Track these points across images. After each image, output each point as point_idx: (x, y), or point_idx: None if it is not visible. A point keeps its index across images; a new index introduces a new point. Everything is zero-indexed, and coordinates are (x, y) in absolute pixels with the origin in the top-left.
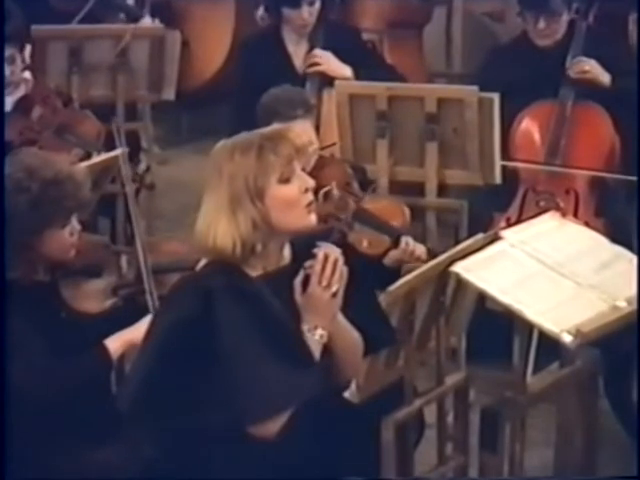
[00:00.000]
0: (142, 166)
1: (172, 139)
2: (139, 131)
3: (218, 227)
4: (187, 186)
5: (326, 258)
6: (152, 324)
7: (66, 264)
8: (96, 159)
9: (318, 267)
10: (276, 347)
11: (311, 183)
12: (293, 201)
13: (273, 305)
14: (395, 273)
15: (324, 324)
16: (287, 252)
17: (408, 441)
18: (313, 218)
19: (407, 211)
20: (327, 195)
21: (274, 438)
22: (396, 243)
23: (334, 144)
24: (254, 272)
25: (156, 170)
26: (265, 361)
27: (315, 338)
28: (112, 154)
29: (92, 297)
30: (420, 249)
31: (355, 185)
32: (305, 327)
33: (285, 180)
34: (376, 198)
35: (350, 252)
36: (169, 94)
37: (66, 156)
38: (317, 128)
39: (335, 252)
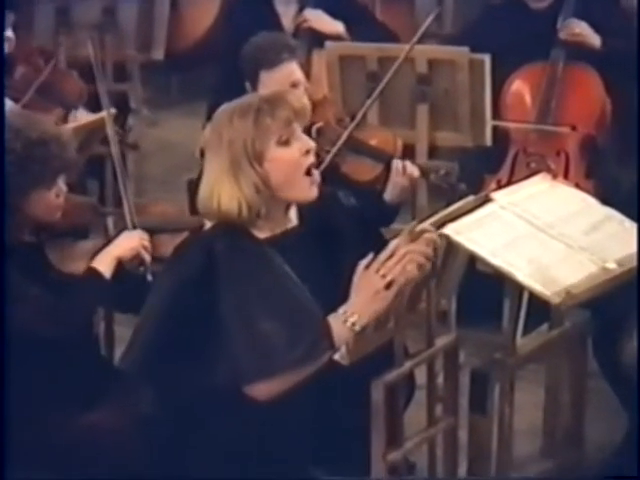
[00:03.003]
0: (126, 126)
1: (161, 100)
2: (128, 92)
3: (222, 191)
4: (176, 148)
5: (396, 249)
6: (157, 283)
7: (52, 225)
8: (83, 120)
9: (384, 255)
10: (279, 310)
11: (312, 145)
12: (293, 163)
13: (279, 267)
14: (395, 210)
15: (362, 313)
16: (293, 214)
17: (398, 402)
18: (314, 191)
19: (399, 140)
20: (320, 131)
21: (269, 400)
22: (388, 168)
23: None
24: (261, 234)
25: (145, 132)
26: (267, 323)
27: (347, 324)
28: (99, 115)
29: (79, 258)
30: (412, 167)
31: (348, 121)
32: (342, 309)
33: (284, 142)
34: (367, 128)
35: (344, 182)
36: (158, 54)
37: (50, 116)
38: (307, 74)
39: (408, 247)
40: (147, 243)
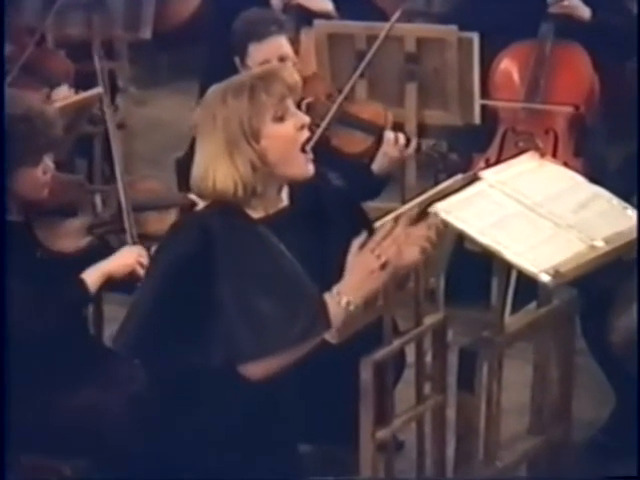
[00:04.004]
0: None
1: (149, 79)
2: (115, 71)
3: (217, 171)
4: (164, 126)
5: (391, 230)
6: (151, 262)
7: (40, 203)
8: (72, 98)
9: (379, 235)
10: (276, 290)
11: (306, 120)
12: (289, 139)
13: (275, 247)
14: (383, 182)
15: (356, 293)
16: (285, 194)
17: (387, 381)
18: (310, 168)
19: (389, 113)
20: (310, 106)
21: (263, 380)
22: (379, 141)
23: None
24: (255, 214)
25: (133, 111)
26: (265, 302)
27: (341, 303)
28: (88, 94)
29: (67, 236)
30: (403, 138)
31: (337, 96)
32: (335, 289)
33: (279, 118)
34: (357, 102)
35: (335, 155)
36: (146, 33)
37: (36, 94)
38: (296, 52)
39: (410, 230)
40: (144, 259)
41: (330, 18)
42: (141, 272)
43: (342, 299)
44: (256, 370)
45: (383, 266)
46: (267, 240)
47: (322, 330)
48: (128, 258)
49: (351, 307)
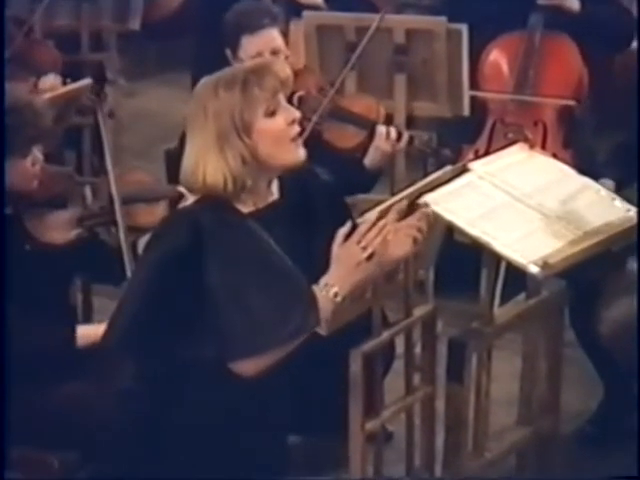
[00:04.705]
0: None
1: (138, 70)
2: (104, 62)
3: (207, 164)
4: (153, 118)
5: (376, 221)
6: (141, 257)
7: (29, 195)
8: (61, 90)
9: (364, 227)
10: (268, 286)
11: (297, 114)
12: (280, 133)
13: (265, 242)
14: (375, 177)
15: (343, 284)
16: (275, 188)
17: (376, 372)
18: (302, 153)
19: (381, 106)
20: (302, 99)
21: (254, 376)
22: (371, 135)
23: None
24: (245, 208)
25: (122, 102)
26: (251, 296)
27: (329, 295)
28: (77, 85)
29: (56, 228)
30: (395, 132)
31: (329, 89)
32: (323, 281)
33: (271, 113)
34: (349, 96)
35: (327, 149)
36: (134, 24)
37: (24, 85)
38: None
39: (388, 219)
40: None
41: (319, 10)
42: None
43: (330, 290)
44: (248, 367)
45: (369, 257)
46: (257, 235)
47: (313, 325)
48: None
49: (338, 299)
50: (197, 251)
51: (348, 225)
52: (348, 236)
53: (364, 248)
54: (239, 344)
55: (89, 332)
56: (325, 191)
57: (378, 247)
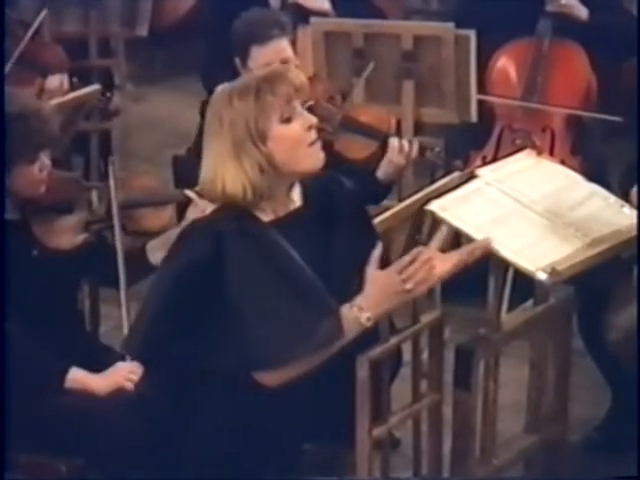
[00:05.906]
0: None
1: (145, 76)
2: (112, 68)
3: (226, 173)
4: (160, 123)
5: (420, 256)
6: (161, 268)
7: (37, 200)
8: (68, 96)
9: (408, 258)
10: (293, 296)
11: (313, 120)
12: (296, 140)
13: (286, 251)
14: (387, 189)
15: (377, 310)
16: (297, 195)
17: (383, 378)
18: (320, 158)
19: (392, 117)
20: (311, 109)
21: (278, 386)
22: (384, 147)
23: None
24: (265, 217)
25: (129, 107)
26: (275, 307)
27: (360, 319)
28: (85, 91)
29: (64, 233)
30: (407, 145)
31: (339, 98)
32: (356, 302)
33: (286, 120)
34: (359, 106)
35: (338, 160)
36: (142, 30)
37: (31, 90)
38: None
39: (432, 254)
40: (135, 376)
41: (327, 17)
42: (130, 387)
43: (362, 314)
44: (273, 378)
45: (409, 291)
46: (278, 244)
47: (337, 338)
48: (117, 376)
49: (369, 324)
50: (218, 261)
51: (379, 247)
52: (381, 259)
53: (404, 280)
54: (264, 355)
55: (82, 379)
56: (349, 199)
57: (419, 283)
